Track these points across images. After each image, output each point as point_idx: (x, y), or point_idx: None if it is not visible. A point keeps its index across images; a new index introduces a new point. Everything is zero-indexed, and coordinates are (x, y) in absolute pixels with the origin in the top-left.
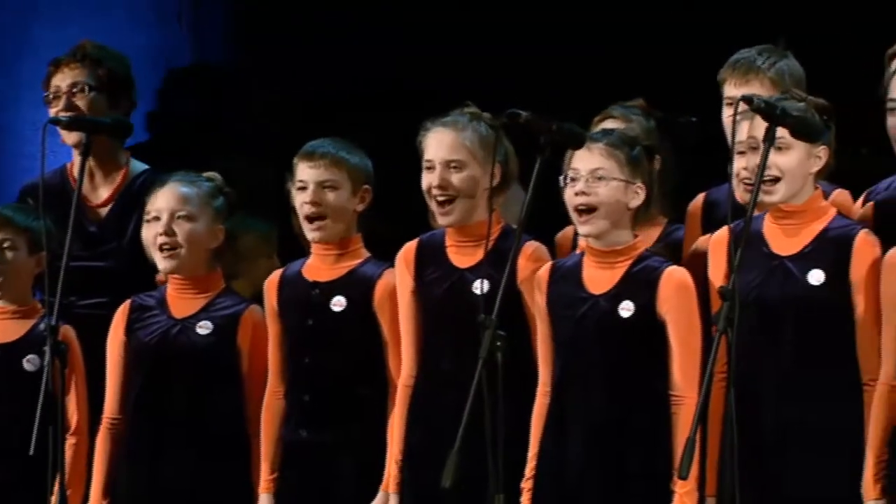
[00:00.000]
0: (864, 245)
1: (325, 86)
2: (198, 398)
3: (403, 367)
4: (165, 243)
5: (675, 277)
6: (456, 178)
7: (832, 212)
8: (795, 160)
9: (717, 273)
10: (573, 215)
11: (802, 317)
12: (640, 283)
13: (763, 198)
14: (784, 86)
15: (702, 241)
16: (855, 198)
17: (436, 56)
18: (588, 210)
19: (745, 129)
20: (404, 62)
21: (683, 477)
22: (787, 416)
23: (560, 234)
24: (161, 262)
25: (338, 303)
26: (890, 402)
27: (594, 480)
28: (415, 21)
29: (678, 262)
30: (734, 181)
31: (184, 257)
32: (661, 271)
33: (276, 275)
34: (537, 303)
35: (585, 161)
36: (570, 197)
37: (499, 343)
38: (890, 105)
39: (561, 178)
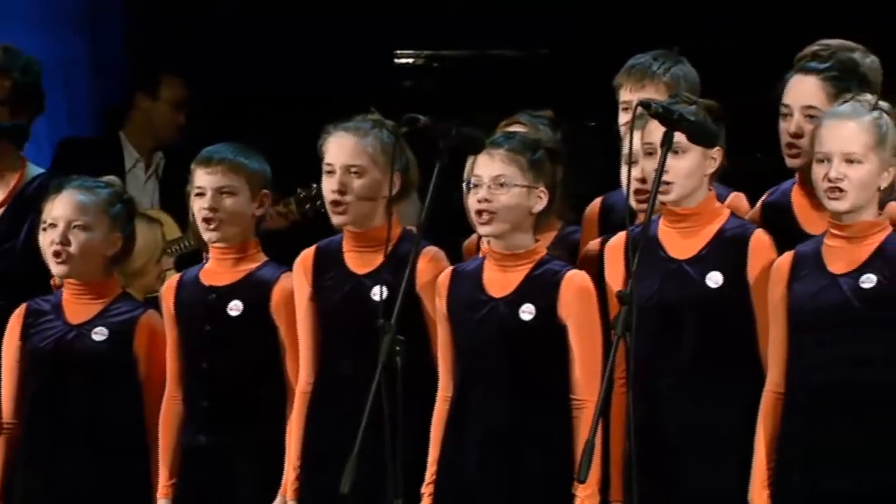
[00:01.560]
0: (759, 245)
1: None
2: (94, 404)
3: (301, 373)
4: (59, 252)
5: (576, 281)
6: (356, 184)
7: (726, 213)
8: (691, 163)
9: (614, 278)
10: (475, 219)
11: (702, 319)
12: (542, 286)
13: (659, 198)
14: (679, 91)
15: (592, 245)
16: (751, 202)
17: (337, 60)
18: (490, 217)
19: (640, 136)
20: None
21: (582, 480)
22: (686, 418)
23: (467, 242)
24: (54, 268)
25: (235, 307)
26: (776, 410)
27: (495, 485)
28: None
29: (574, 266)
30: (631, 187)
31: (77, 265)
32: (562, 275)
33: (173, 279)
34: (438, 307)
35: (487, 167)
36: (473, 203)
37: (398, 348)
38: (783, 110)
39: (464, 184)
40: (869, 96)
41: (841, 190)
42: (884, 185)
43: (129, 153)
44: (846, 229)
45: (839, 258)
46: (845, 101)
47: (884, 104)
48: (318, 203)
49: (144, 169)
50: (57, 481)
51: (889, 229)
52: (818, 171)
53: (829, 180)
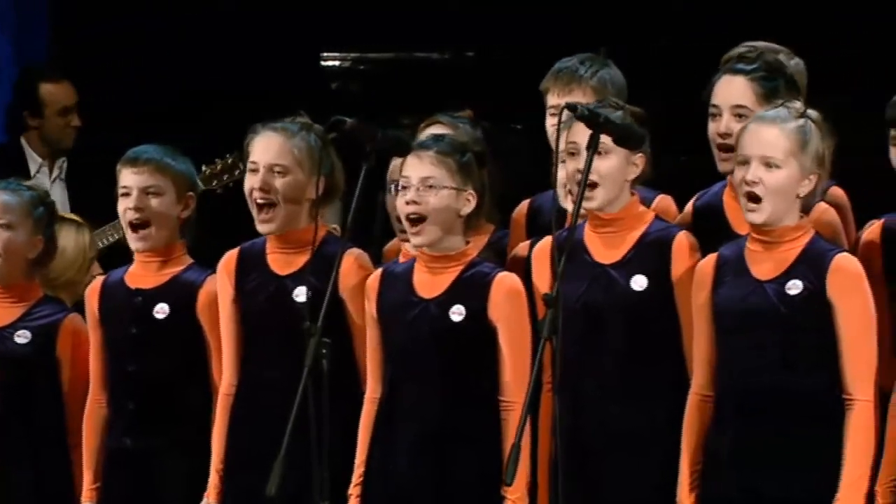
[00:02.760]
0: (682, 247)
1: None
2: (17, 408)
3: (224, 376)
4: None
5: (506, 283)
6: (279, 183)
7: (650, 216)
8: (613, 166)
9: (541, 281)
10: (404, 224)
11: (627, 322)
12: (472, 288)
13: (584, 204)
14: (606, 94)
15: (520, 248)
16: (679, 204)
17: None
18: (419, 219)
19: (565, 136)
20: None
21: (509, 483)
22: (611, 421)
23: (388, 245)
24: None
25: (161, 310)
26: (701, 412)
27: (425, 486)
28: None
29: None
30: (560, 189)
31: (0, 266)
32: (492, 277)
33: (97, 282)
34: (367, 309)
35: (416, 169)
36: (401, 206)
37: (324, 350)
38: (712, 111)
39: (392, 186)
40: (798, 104)
41: (757, 199)
42: (803, 192)
43: (31, 158)
44: (768, 235)
45: (763, 263)
46: (775, 107)
47: (812, 112)
48: (233, 174)
49: (48, 173)
50: None
51: (812, 233)
52: (738, 173)
53: (746, 182)
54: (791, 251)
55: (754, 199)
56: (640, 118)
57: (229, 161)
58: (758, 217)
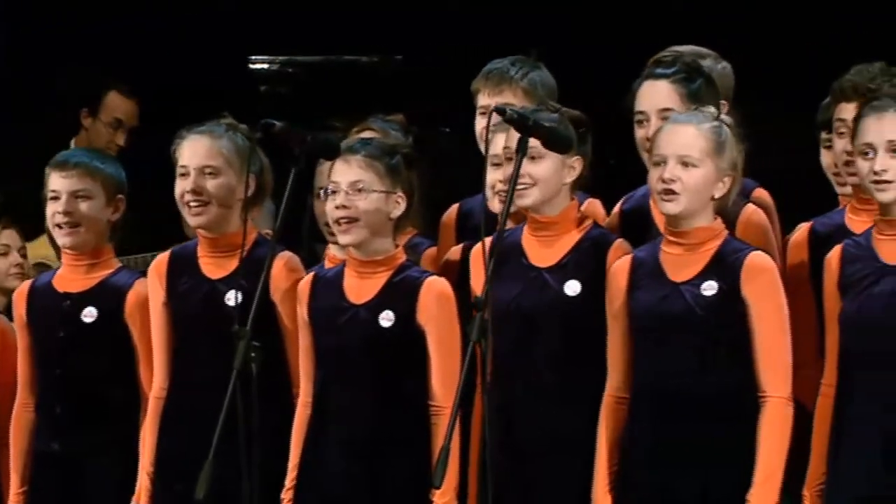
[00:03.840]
0: (618, 254)
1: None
2: None
3: (155, 379)
4: None
5: (435, 287)
6: (210, 185)
7: (588, 222)
8: (548, 170)
9: (477, 284)
10: (333, 227)
11: (559, 326)
12: (401, 292)
13: (516, 201)
14: (536, 96)
15: (452, 252)
16: (607, 207)
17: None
18: (349, 222)
19: (502, 140)
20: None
21: (437, 486)
22: (542, 423)
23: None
24: None
25: (89, 314)
26: (616, 413)
27: (356, 491)
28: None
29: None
30: (488, 192)
31: None
32: (421, 281)
33: (25, 286)
34: (299, 313)
35: (345, 173)
36: (331, 210)
37: (253, 354)
38: (638, 117)
39: (321, 190)
40: (712, 109)
41: (674, 192)
42: (718, 194)
43: None
44: (682, 237)
45: (678, 266)
46: (689, 111)
47: (727, 118)
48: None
49: None
50: None
51: (725, 234)
52: (654, 173)
53: (663, 181)
54: (705, 253)
55: (670, 192)
56: (579, 121)
57: None
58: (674, 207)
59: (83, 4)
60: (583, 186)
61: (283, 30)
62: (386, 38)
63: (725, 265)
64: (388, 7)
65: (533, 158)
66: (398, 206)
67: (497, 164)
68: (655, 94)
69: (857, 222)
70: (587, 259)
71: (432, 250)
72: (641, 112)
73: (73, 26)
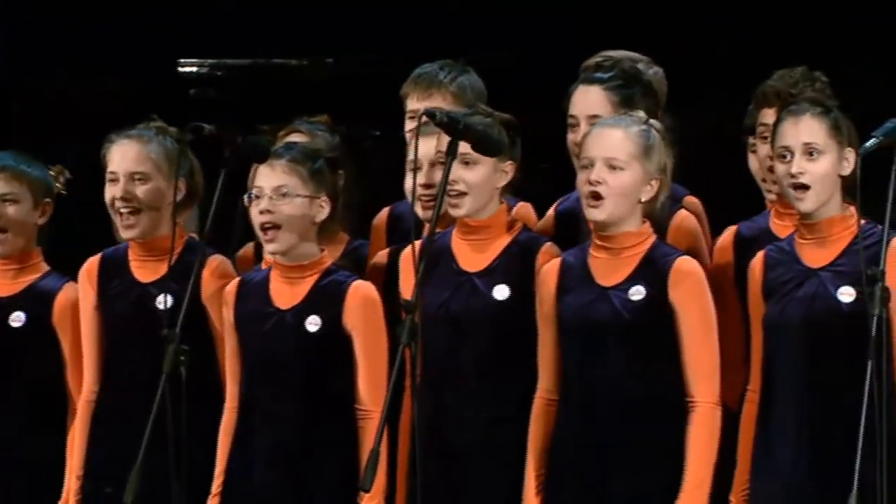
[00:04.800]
0: (547, 258)
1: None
2: None
3: (85, 382)
4: None
5: (360, 291)
6: (140, 191)
7: (518, 226)
8: (481, 176)
9: (406, 287)
10: (259, 233)
11: (488, 330)
12: (327, 297)
13: (450, 211)
14: (466, 100)
15: (380, 256)
16: (539, 211)
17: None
18: (273, 227)
19: (429, 145)
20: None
21: (366, 489)
22: (471, 426)
23: (242, 251)
24: None
25: (17, 318)
26: (546, 416)
27: (283, 496)
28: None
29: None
30: (410, 197)
31: None
32: (347, 285)
33: None
34: (225, 317)
35: (268, 178)
36: (255, 215)
37: (182, 357)
38: (570, 121)
39: (245, 196)
40: (641, 113)
41: (600, 197)
42: (645, 197)
43: None
44: (610, 241)
45: (606, 270)
46: (619, 115)
47: (655, 122)
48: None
49: None
50: None
51: (653, 238)
52: (581, 176)
53: (590, 183)
54: (633, 257)
55: (597, 197)
56: (510, 125)
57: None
58: (599, 214)
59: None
60: (514, 190)
61: (212, 33)
62: (316, 41)
63: (653, 270)
64: (318, 10)
65: (467, 164)
66: (322, 211)
67: (419, 169)
68: (587, 100)
69: (781, 226)
70: (516, 263)
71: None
72: (573, 116)
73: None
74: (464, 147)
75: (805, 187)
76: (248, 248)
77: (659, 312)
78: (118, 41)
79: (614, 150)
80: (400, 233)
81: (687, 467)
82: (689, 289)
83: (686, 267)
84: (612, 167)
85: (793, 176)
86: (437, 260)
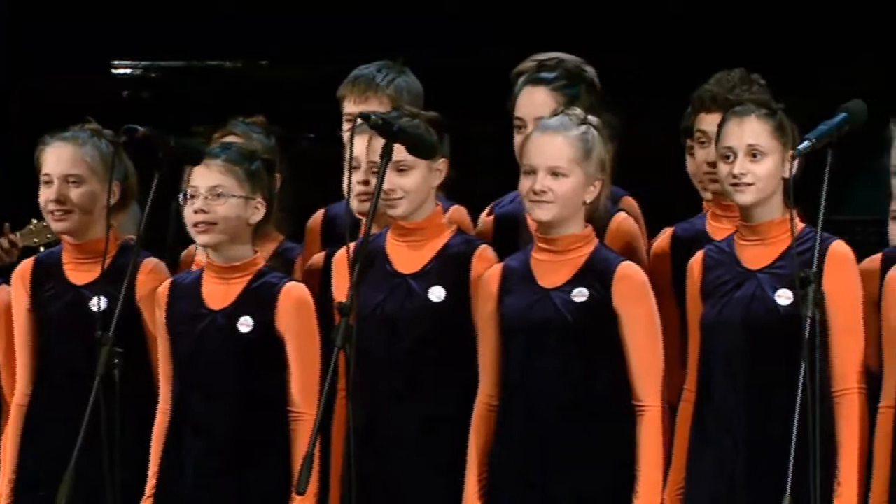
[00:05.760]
0: (482, 261)
1: None
2: None
3: (18, 385)
4: None
5: (293, 294)
6: (74, 193)
7: (453, 227)
8: (417, 180)
9: (340, 290)
10: (191, 230)
11: (425, 332)
12: (260, 298)
13: (388, 212)
14: (403, 102)
15: (316, 259)
16: (474, 214)
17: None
18: (208, 227)
19: (372, 148)
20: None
21: (301, 492)
22: (406, 427)
23: (184, 253)
24: None
25: None
26: (488, 420)
27: (216, 498)
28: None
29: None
30: (352, 197)
31: None
32: (280, 287)
33: None
34: (158, 319)
35: (204, 178)
36: (189, 215)
37: (116, 360)
38: (516, 122)
39: (180, 195)
40: (578, 110)
41: (546, 201)
42: (589, 198)
43: None
44: (553, 243)
45: (549, 272)
46: (555, 115)
47: (593, 119)
48: (49, 236)
49: None
50: None
51: (595, 243)
52: (525, 183)
53: (535, 192)
54: (576, 259)
55: (542, 202)
56: (437, 123)
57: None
58: (545, 214)
59: None
60: (448, 193)
61: (146, 35)
62: (251, 42)
63: (596, 274)
64: (254, 11)
65: (401, 171)
66: (257, 212)
67: (355, 167)
68: (533, 101)
69: (717, 229)
70: (451, 265)
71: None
72: (519, 118)
73: None
74: (398, 153)
75: (748, 185)
76: (192, 249)
77: (601, 315)
78: (52, 42)
79: (556, 157)
80: (335, 235)
81: (640, 470)
82: (634, 294)
83: (629, 273)
84: (555, 174)
85: (735, 177)
86: (371, 262)
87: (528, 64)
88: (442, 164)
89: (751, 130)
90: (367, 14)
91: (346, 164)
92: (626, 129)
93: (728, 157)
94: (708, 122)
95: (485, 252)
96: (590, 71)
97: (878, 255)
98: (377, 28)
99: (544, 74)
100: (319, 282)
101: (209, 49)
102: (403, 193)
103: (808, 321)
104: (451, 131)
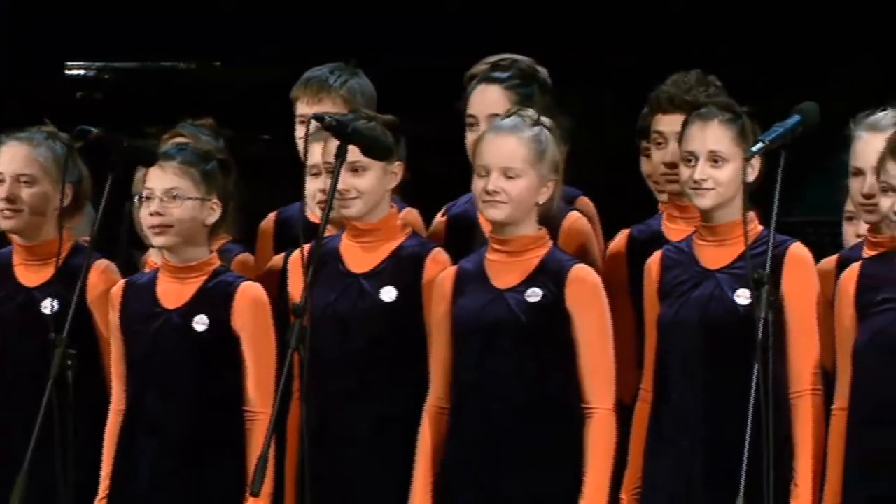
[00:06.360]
0: (435, 264)
1: None
2: None
3: None
4: None
5: (249, 293)
6: (25, 193)
7: (407, 230)
8: (372, 181)
9: (295, 290)
10: (147, 232)
11: (377, 332)
12: (215, 298)
13: (342, 212)
14: (356, 104)
15: (275, 261)
16: (426, 215)
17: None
18: (164, 230)
19: (328, 150)
20: None
21: (255, 494)
22: (359, 427)
23: (144, 256)
24: None
25: None
26: (437, 424)
27: (169, 496)
28: None
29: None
30: (309, 201)
31: None
32: (235, 286)
33: None
34: (111, 320)
35: (160, 180)
36: (145, 217)
37: (69, 361)
38: (469, 121)
39: (136, 197)
40: (532, 111)
41: (499, 202)
42: (542, 199)
43: None
44: (507, 244)
45: (502, 272)
46: (508, 115)
47: (546, 120)
48: None
49: None
50: None
51: (549, 245)
52: (478, 183)
53: (488, 192)
54: (530, 260)
55: (495, 202)
56: (393, 125)
57: None
58: (498, 214)
59: None
60: (402, 194)
61: (99, 35)
62: (204, 44)
63: (550, 275)
64: (207, 13)
65: (356, 171)
66: (213, 213)
67: (316, 174)
68: (486, 99)
69: (673, 230)
70: (404, 266)
71: (243, 256)
72: (472, 116)
73: None
74: (353, 155)
75: (708, 190)
76: (151, 252)
77: (555, 316)
78: (5, 42)
79: (509, 158)
80: (289, 237)
81: (587, 472)
82: (587, 296)
83: (583, 274)
84: (509, 176)
85: (696, 181)
86: (324, 262)
87: (482, 66)
88: (398, 166)
89: (713, 136)
90: (319, 15)
91: (306, 171)
92: (577, 130)
93: (690, 160)
94: (665, 123)
95: (438, 255)
96: (542, 72)
97: (834, 257)
98: (330, 29)
99: (498, 73)
100: (278, 283)
101: (163, 50)
102: (358, 194)
103: (762, 322)
104: (406, 133)
